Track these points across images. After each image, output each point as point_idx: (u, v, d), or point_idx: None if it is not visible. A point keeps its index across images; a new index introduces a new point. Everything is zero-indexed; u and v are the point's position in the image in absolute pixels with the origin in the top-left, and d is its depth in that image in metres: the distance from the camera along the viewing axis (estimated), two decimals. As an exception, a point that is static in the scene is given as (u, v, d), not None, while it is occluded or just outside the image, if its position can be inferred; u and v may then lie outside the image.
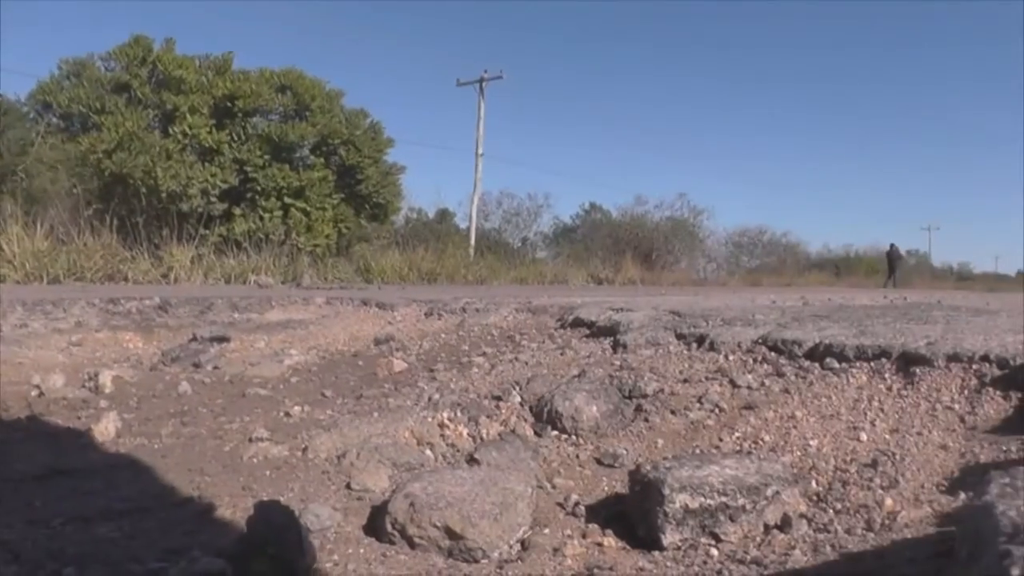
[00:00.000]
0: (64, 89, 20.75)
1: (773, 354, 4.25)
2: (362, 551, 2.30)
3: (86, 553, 2.11)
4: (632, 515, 2.58)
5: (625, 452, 3.28)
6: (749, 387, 3.83)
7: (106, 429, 3.50)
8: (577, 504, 2.77)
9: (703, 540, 2.35)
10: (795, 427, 3.30)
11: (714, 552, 2.29)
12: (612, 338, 5.11)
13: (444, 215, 38.60)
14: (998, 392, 3.25)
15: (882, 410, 3.33)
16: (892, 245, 42.33)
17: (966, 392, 3.34)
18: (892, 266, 40.74)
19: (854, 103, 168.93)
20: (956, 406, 3.25)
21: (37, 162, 17.57)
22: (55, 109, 20.77)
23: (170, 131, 20.02)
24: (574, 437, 3.54)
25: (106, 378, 4.43)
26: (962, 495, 2.42)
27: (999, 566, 1.14)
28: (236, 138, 20.88)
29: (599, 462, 3.26)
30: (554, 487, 3.00)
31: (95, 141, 18.46)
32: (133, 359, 5.39)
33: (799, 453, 3.06)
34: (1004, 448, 2.78)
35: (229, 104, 21.15)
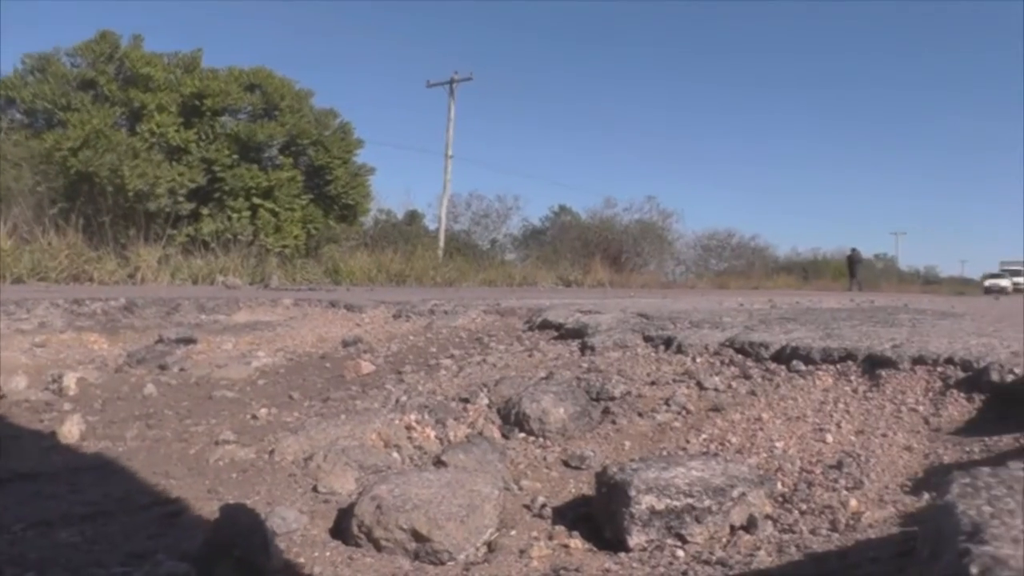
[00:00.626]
0: (28, 85, 20.57)
1: (740, 356, 4.27)
2: (328, 554, 2.29)
3: (47, 558, 2.09)
4: (599, 517, 2.58)
5: (592, 454, 3.29)
6: (716, 389, 3.85)
7: (70, 432, 3.46)
8: (544, 506, 2.77)
9: (669, 541, 2.36)
10: (761, 429, 3.31)
11: (680, 553, 2.29)
12: (580, 340, 5.12)
13: (413, 217, 38.56)
14: (962, 394, 3.28)
15: (848, 412, 3.36)
16: (853, 249, 42.94)
17: (930, 394, 3.37)
18: (853, 270, 41.28)
19: (824, 109, 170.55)
20: (920, 408, 3.28)
21: (0, 159, 17.38)
22: (19, 105, 20.59)
23: (137, 129, 19.90)
24: (541, 439, 3.54)
25: (70, 380, 4.39)
26: (926, 495, 2.45)
27: (959, 564, 1.15)
28: (204, 137, 20.79)
29: (566, 464, 3.26)
30: (521, 489, 3.00)
31: (60, 138, 18.29)
32: (98, 361, 5.33)
33: (765, 455, 3.08)
34: (967, 449, 2.81)
35: (197, 103, 21.05)
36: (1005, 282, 58.25)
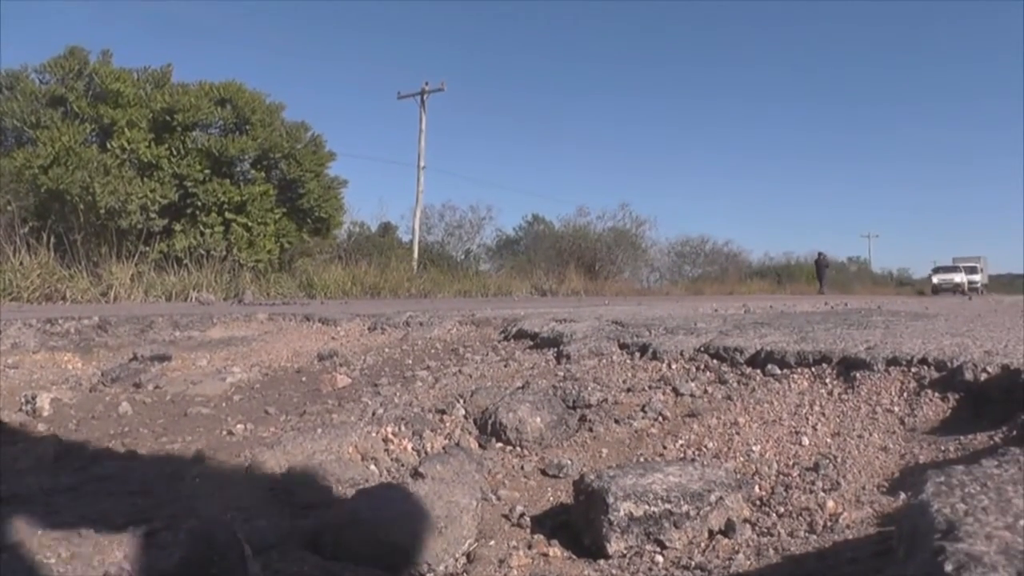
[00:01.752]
0: (-4, 102, 20.38)
1: (715, 362, 4.28)
2: (307, 569, 2.28)
3: (22, 579, 2.07)
4: (577, 524, 2.58)
5: (570, 462, 3.28)
6: (692, 395, 3.86)
7: (45, 453, 3.43)
8: (522, 515, 2.77)
9: (648, 547, 2.36)
10: (738, 433, 3.32)
11: (659, 559, 2.30)
12: (556, 349, 5.12)
13: (387, 229, 38.54)
14: (936, 394, 3.30)
15: (823, 414, 3.37)
16: (820, 254, 43.45)
17: (905, 395, 3.39)
18: (820, 273, 41.75)
19: (795, 116, 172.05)
20: (896, 409, 3.30)
21: (-30, 180, 17.23)
22: (-13, 123, 20.39)
23: (108, 146, 19.72)
24: (518, 448, 3.54)
25: (44, 401, 4.34)
26: (902, 495, 2.46)
27: (934, 562, 1.16)
28: (175, 153, 20.64)
29: (544, 473, 3.26)
30: (499, 499, 2.99)
31: (30, 156, 18.13)
32: (72, 380, 5.28)
33: (742, 459, 3.09)
34: (942, 448, 2.83)
35: (168, 118, 20.91)
36: (959, 277, 55.26)
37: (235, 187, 21.24)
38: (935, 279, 56.08)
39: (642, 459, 3.25)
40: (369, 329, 6.99)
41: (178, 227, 20.14)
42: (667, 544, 2.36)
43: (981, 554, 1.15)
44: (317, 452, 3.33)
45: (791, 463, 2.97)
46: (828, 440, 3.12)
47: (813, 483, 2.73)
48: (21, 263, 13.98)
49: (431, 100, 36.08)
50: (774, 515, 2.54)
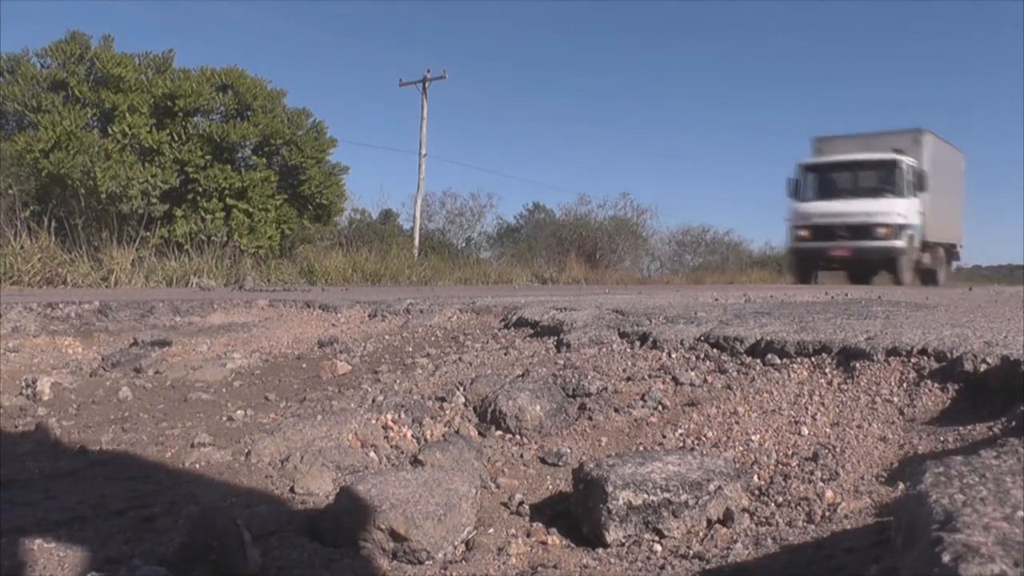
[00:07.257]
0: (-2, 86, 20.35)
1: (715, 351, 4.28)
2: (306, 555, 2.28)
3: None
4: (576, 513, 2.59)
5: (569, 450, 3.29)
6: (692, 384, 3.86)
7: (44, 437, 3.43)
8: (521, 503, 2.78)
9: (647, 536, 2.37)
10: (737, 423, 3.33)
11: (657, 548, 2.30)
12: (556, 337, 5.11)
13: (388, 216, 38.49)
14: (936, 384, 3.30)
15: (823, 404, 3.37)
16: None
17: (905, 385, 3.39)
18: None
19: (796, 102, 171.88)
20: (895, 399, 3.29)
21: (-29, 163, 17.23)
22: (-12, 107, 20.36)
23: (109, 131, 19.68)
24: (518, 436, 3.55)
25: (44, 385, 4.35)
26: (901, 485, 2.46)
27: (931, 553, 1.16)
28: (177, 138, 20.60)
29: (543, 461, 3.27)
30: (498, 487, 3.00)
31: (31, 140, 18.09)
32: (72, 365, 5.29)
33: (741, 448, 3.09)
34: (942, 439, 2.83)
35: (169, 103, 20.86)
36: None
37: (236, 173, 21.21)
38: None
39: (641, 448, 3.26)
40: (369, 316, 6.98)
41: (179, 212, 20.12)
42: (666, 533, 2.37)
43: (979, 545, 1.15)
44: (317, 439, 3.33)
45: (790, 453, 2.98)
46: (827, 430, 3.12)
47: (812, 473, 2.73)
48: (22, 247, 13.98)
49: (433, 87, 36.03)
50: (773, 505, 2.54)
